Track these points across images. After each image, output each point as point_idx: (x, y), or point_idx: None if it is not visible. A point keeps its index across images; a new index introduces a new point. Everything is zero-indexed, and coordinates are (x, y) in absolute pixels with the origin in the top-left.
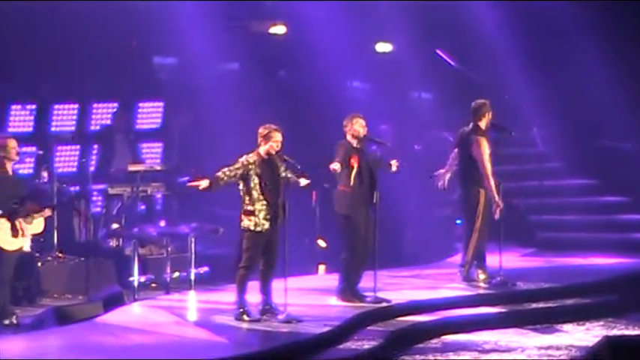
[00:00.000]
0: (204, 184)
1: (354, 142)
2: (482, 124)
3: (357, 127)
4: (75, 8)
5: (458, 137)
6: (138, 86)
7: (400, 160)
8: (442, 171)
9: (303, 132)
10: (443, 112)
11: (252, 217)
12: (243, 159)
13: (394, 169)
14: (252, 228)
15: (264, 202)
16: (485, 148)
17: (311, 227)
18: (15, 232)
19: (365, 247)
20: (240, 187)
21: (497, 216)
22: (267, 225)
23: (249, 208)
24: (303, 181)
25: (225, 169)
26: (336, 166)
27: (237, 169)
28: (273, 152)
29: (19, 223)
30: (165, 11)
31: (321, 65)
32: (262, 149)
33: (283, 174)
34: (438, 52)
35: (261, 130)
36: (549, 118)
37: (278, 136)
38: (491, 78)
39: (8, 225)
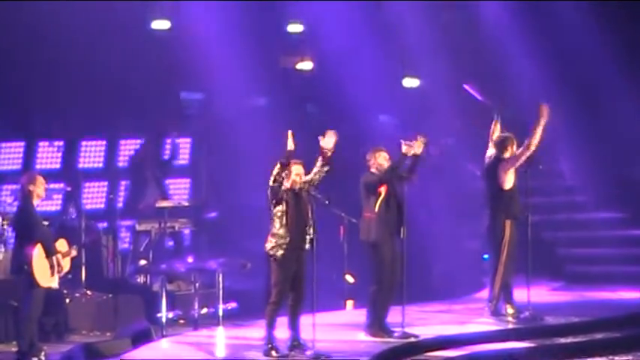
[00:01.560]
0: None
1: (380, 174)
2: (507, 156)
3: (381, 160)
4: (104, 44)
5: (484, 169)
6: (165, 122)
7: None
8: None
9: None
10: (470, 145)
11: (273, 240)
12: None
13: (419, 149)
14: (272, 252)
15: (288, 230)
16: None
17: (339, 262)
18: (52, 268)
19: (392, 281)
20: (272, 209)
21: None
22: (279, 253)
23: (275, 230)
24: (326, 142)
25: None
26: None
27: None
28: (297, 186)
29: (57, 259)
30: (193, 46)
31: (349, 100)
32: (287, 182)
33: (312, 189)
34: (466, 86)
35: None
36: (577, 150)
37: (297, 169)
38: (519, 111)
39: (47, 262)
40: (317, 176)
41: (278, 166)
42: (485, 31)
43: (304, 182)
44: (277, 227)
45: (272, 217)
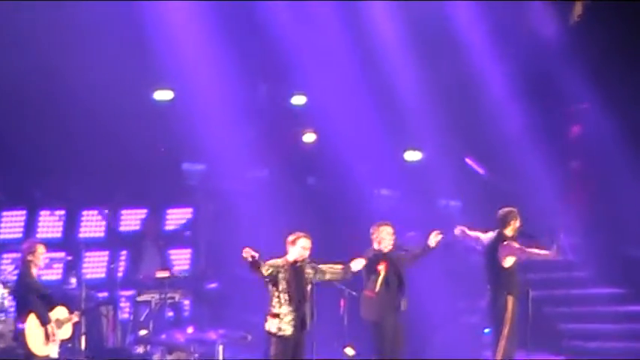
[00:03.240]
0: (253, 256)
1: (382, 250)
2: (509, 231)
3: (384, 235)
4: (104, 115)
5: (485, 243)
6: (167, 192)
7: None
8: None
9: (331, 239)
10: (471, 220)
11: (277, 320)
12: (272, 262)
13: (435, 241)
14: (273, 331)
15: (291, 308)
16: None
17: (339, 335)
18: (47, 337)
19: (394, 353)
20: (269, 288)
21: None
22: (289, 331)
23: (275, 310)
24: (358, 264)
25: (265, 265)
26: (358, 264)
27: (270, 266)
28: (301, 259)
29: (52, 328)
30: (195, 118)
31: (350, 173)
32: (290, 256)
33: (318, 276)
34: (467, 160)
35: (290, 237)
36: (576, 226)
37: (306, 243)
38: (519, 186)
39: (41, 331)
40: (329, 277)
41: (260, 274)
42: (489, 104)
43: (310, 271)
44: (277, 307)
45: (270, 296)
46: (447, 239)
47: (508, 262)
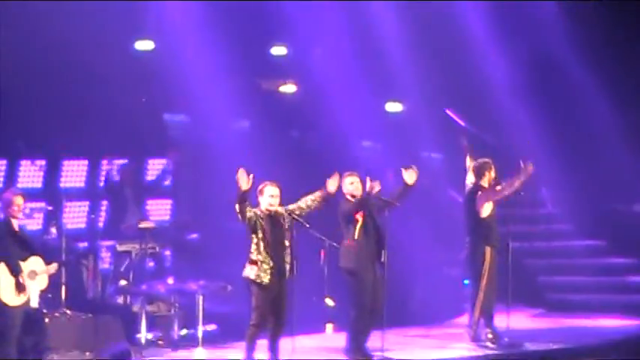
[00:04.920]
0: (245, 185)
1: (355, 199)
2: (484, 182)
3: (347, 184)
4: (87, 64)
5: (464, 195)
6: (148, 142)
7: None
8: None
9: (313, 191)
10: (453, 172)
11: (255, 267)
12: (251, 210)
13: (412, 179)
14: (252, 278)
15: (267, 256)
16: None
17: (319, 285)
18: (19, 288)
19: (373, 305)
20: (249, 234)
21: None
22: (267, 279)
23: (254, 257)
24: (332, 183)
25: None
26: (332, 183)
27: (251, 211)
28: (272, 208)
29: (22, 279)
30: (176, 68)
31: (332, 124)
32: (262, 205)
33: (298, 212)
34: (447, 111)
35: (259, 187)
36: (558, 179)
37: (271, 190)
38: (501, 138)
39: (12, 281)
40: (307, 209)
41: (236, 207)
42: (471, 57)
43: (288, 210)
44: (255, 254)
45: (250, 243)
46: (428, 190)
47: (485, 211)
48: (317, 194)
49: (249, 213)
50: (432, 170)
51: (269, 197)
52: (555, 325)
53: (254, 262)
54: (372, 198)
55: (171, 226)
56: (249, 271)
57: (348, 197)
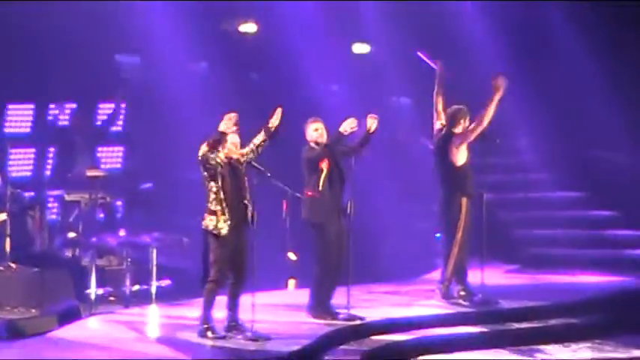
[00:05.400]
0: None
1: (319, 147)
2: (459, 130)
3: (311, 131)
4: (31, 3)
5: (435, 143)
6: (98, 85)
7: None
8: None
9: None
10: (423, 117)
11: (213, 217)
12: (214, 155)
13: (372, 125)
14: (210, 229)
15: (227, 206)
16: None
17: (281, 239)
18: None
19: (338, 260)
20: (206, 183)
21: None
22: (225, 230)
23: (212, 207)
24: (274, 119)
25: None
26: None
27: (217, 157)
28: (233, 155)
29: None
30: (130, 7)
31: (295, 66)
32: (222, 154)
33: (251, 156)
34: (419, 53)
35: (215, 135)
36: (537, 125)
37: (232, 138)
38: (474, 81)
39: None
40: (258, 149)
41: (205, 147)
42: None
43: (244, 154)
44: (214, 204)
45: (207, 193)
46: (396, 138)
47: (460, 158)
48: (260, 135)
49: (214, 161)
50: (401, 116)
51: (231, 145)
52: (531, 282)
53: (213, 213)
54: (337, 145)
55: (123, 174)
56: (208, 222)
57: (312, 145)
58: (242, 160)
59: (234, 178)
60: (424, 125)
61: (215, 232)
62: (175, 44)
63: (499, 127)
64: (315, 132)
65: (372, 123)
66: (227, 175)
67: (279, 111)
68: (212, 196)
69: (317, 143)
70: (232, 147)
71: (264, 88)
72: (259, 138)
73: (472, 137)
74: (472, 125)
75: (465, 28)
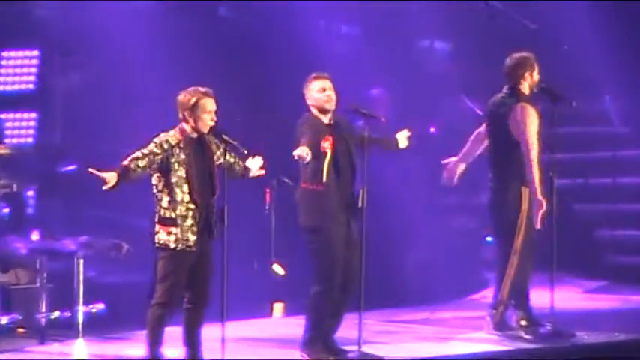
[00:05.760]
0: (110, 178)
1: (325, 118)
2: (525, 87)
3: (315, 93)
4: None
5: (488, 109)
6: (3, 27)
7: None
8: (454, 159)
9: (253, 100)
10: (467, 70)
11: (173, 229)
12: (160, 139)
13: (404, 144)
14: (172, 245)
15: (192, 206)
16: (533, 120)
17: (263, 245)
18: None
19: (346, 277)
20: (155, 182)
21: (539, 225)
22: (192, 240)
23: (169, 214)
24: (255, 165)
25: (138, 154)
26: (302, 151)
27: (155, 154)
28: (206, 130)
29: None
30: None
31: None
32: (188, 126)
33: (221, 160)
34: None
35: (183, 97)
36: (629, 84)
37: (211, 105)
38: (543, 22)
39: None
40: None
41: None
42: None
43: (225, 148)
44: (170, 210)
45: (159, 194)
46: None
47: (531, 131)
48: (240, 166)
49: (147, 159)
50: (437, 67)
51: (206, 115)
52: (622, 305)
53: (171, 223)
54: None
55: (36, 151)
56: (166, 237)
57: (315, 112)
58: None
59: (200, 161)
60: (466, 81)
61: (181, 246)
62: None
63: (577, 86)
64: (321, 93)
65: (403, 140)
66: (192, 160)
67: (259, 162)
68: (165, 198)
69: (322, 110)
70: (210, 116)
71: (239, 30)
72: (239, 163)
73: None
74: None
75: None
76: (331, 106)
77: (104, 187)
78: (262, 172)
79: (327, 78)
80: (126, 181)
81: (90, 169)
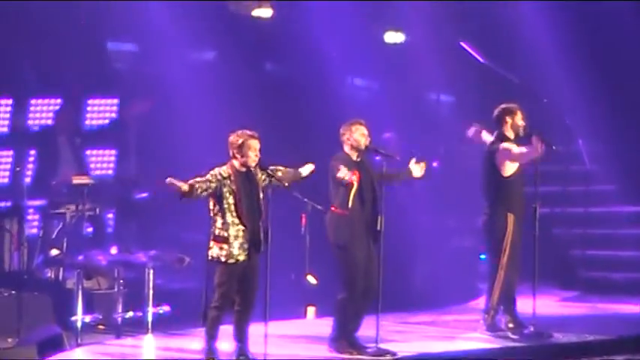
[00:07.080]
0: (184, 187)
1: (354, 155)
2: (509, 131)
3: (357, 136)
4: None
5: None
6: (87, 78)
7: (421, 156)
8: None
9: (291, 139)
10: (467, 119)
11: (225, 246)
12: (215, 171)
13: (419, 173)
14: (223, 259)
15: (241, 227)
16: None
17: (299, 259)
18: None
19: (366, 286)
20: (211, 206)
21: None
22: (242, 256)
23: (222, 234)
24: (307, 169)
25: (198, 179)
26: (344, 173)
27: (210, 182)
28: (252, 165)
29: None
30: None
31: (316, 57)
32: (237, 162)
33: (273, 181)
34: (463, 44)
35: (233, 139)
36: (599, 129)
37: (255, 144)
38: (527, 78)
39: None
40: (281, 177)
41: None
42: None
43: (270, 173)
44: (223, 230)
45: (213, 217)
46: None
47: (508, 169)
48: (289, 170)
49: (205, 183)
50: (441, 116)
51: (253, 151)
52: (592, 311)
53: (223, 240)
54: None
55: (115, 181)
56: (218, 251)
57: (347, 150)
58: (261, 171)
59: (248, 191)
60: (467, 126)
61: (231, 261)
62: (177, 30)
63: (556, 131)
64: (363, 137)
65: (416, 170)
66: (241, 189)
67: (310, 166)
68: (219, 220)
69: (356, 149)
70: (254, 154)
71: (280, 82)
72: (285, 173)
73: (515, 160)
74: (518, 151)
75: (516, 11)
76: (362, 147)
77: (178, 191)
78: (312, 170)
79: (364, 124)
80: (190, 196)
81: (168, 179)
